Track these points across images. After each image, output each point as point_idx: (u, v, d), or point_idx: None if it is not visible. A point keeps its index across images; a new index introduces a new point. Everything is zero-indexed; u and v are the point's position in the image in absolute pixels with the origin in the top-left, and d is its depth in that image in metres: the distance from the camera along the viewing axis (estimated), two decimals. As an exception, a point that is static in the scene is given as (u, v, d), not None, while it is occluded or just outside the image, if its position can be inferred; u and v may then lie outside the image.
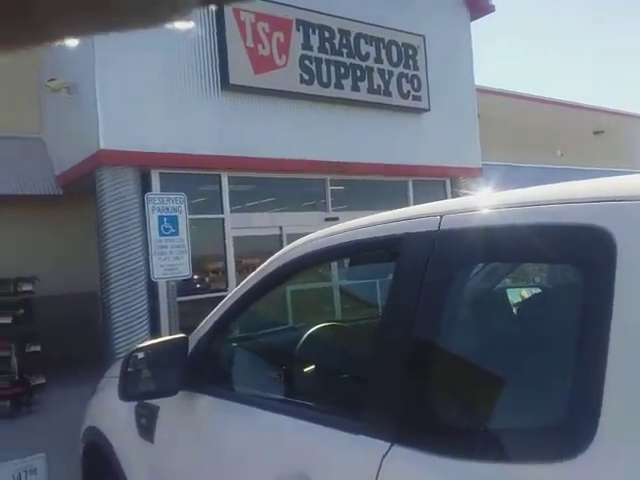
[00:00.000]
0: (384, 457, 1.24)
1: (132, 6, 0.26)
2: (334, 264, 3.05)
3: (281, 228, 8.25)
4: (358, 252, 1.76)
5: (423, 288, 1.32)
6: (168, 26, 0.30)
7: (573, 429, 0.98)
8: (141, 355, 2.16)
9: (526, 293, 1.98)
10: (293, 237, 1.96)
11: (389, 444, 1.25)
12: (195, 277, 7.51)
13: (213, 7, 0.33)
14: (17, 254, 7.89)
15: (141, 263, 6.90)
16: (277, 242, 7.92)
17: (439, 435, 1.21)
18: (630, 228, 1.02)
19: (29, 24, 0.26)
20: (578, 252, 1.10)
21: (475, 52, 10.57)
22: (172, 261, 5.82)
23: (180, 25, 0.30)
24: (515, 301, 1.81)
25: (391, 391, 1.32)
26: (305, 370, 2.18)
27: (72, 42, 0.28)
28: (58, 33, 0.27)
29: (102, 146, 6.84)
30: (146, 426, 2.27)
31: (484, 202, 1.34)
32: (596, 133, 15.89)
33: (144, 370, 2.16)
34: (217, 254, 7.98)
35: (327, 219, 8.31)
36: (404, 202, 9.17)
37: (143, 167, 7.16)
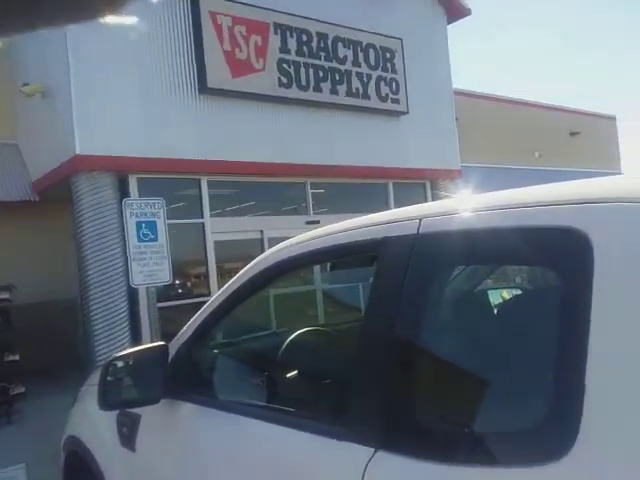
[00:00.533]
0: (368, 463, 1.23)
1: (60, 2, 0.25)
2: (316, 268, 3.05)
3: (262, 232, 8.23)
4: (338, 256, 1.76)
5: (403, 292, 1.32)
6: (103, 20, 0.28)
7: (555, 431, 0.99)
8: (121, 363, 2.14)
9: (507, 294, 2.00)
10: (274, 241, 1.96)
11: (373, 449, 1.25)
12: (177, 282, 7.46)
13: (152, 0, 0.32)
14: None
15: (120, 269, 6.83)
16: (258, 246, 7.91)
17: (423, 439, 1.21)
18: (606, 230, 1.03)
19: None
20: (555, 254, 1.11)
21: (452, 55, 10.67)
22: (152, 267, 5.77)
23: (114, 19, 0.28)
24: (496, 302, 1.82)
25: (374, 396, 1.32)
26: (288, 376, 2.17)
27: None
28: None
29: (78, 151, 6.76)
30: (127, 435, 2.24)
31: (462, 205, 1.35)
32: (572, 134, 16.13)
33: (124, 378, 2.14)
34: (198, 259, 7.94)
35: (308, 222, 8.32)
36: (384, 204, 9.21)
37: (120, 172, 7.10)
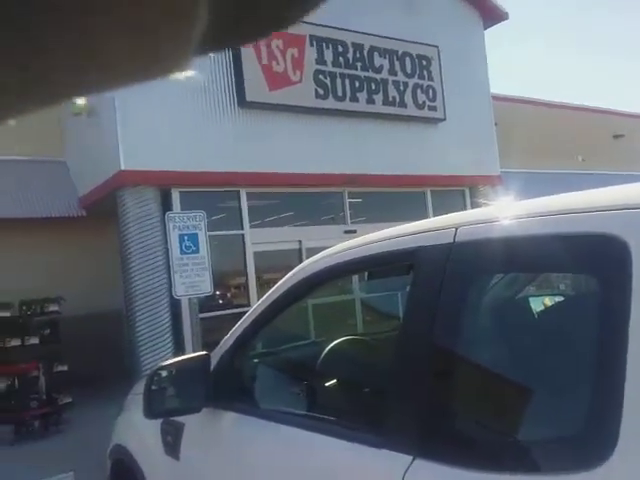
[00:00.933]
0: (407, 471, 1.24)
1: (133, 66, 0.27)
2: (355, 278, 3.06)
3: (300, 242, 8.28)
4: (375, 266, 1.77)
5: (440, 300, 1.32)
6: (169, 78, 0.30)
7: (594, 439, 0.98)
8: (165, 373, 2.19)
9: (549, 302, 1.97)
10: (312, 251, 1.99)
11: (411, 457, 1.25)
12: (217, 293, 7.57)
13: (212, 54, 0.33)
14: (43, 276, 8.03)
15: (164, 281, 6.98)
16: (297, 256, 7.96)
17: (461, 447, 1.21)
18: None
19: (33, 92, 0.26)
20: (593, 261, 1.10)
21: (490, 59, 10.57)
22: (193, 278, 5.88)
23: (181, 76, 0.30)
24: (537, 310, 1.80)
25: (412, 404, 1.33)
26: (327, 384, 2.18)
27: (73, 100, 0.29)
28: (59, 94, 0.28)
29: (123, 167, 6.96)
30: (172, 443, 2.29)
31: (498, 213, 1.35)
32: (616, 137, 15.70)
33: (168, 387, 2.19)
34: (238, 270, 8.04)
35: (346, 232, 8.32)
36: (423, 212, 9.14)
37: (163, 186, 7.27)
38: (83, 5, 0.23)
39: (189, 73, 0.30)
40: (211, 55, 0.32)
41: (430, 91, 9.41)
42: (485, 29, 10.62)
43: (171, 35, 0.26)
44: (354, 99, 8.62)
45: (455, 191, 9.99)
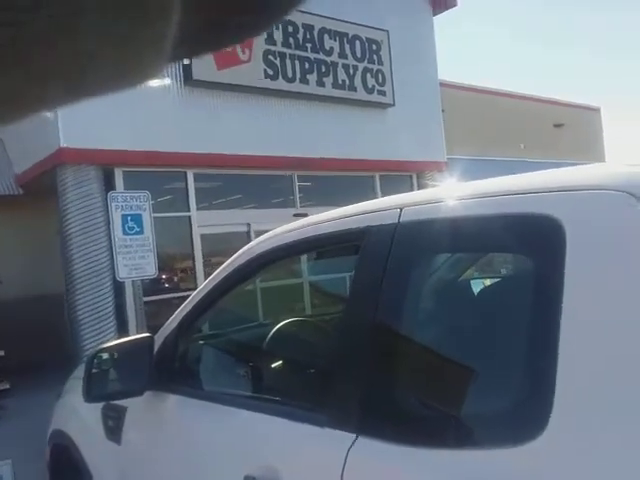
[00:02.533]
0: (350, 448, 1.25)
1: (103, 79, 0.26)
2: (303, 261, 3.06)
3: (249, 225, 8.21)
4: (322, 246, 1.77)
5: (384, 280, 1.34)
6: (139, 86, 0.29)
7: (530, 413, 1.01)
8: (106, 355, 2.14)
9: (489, 284, 2.03)
10: (261, 234, 1.97)
11: (354, 435, 1.26)
12: (163, 276, 7.43)
13: (185, 61, 0.33)
14: (-23, 257, 7.68)
15: (106, 263, 6.79)
16: (245, 239, 7.89)
17: (402, 425, 1.24)
18: (579, 217, 1.05)
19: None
20: (530, 241, 1.13)
21: (438, 46, 10.69)
22: (137, 260, 5.74)
23: (151, 83, 0.29)
24: (476, 291, 1.85)
25: (355, 383, 1.34)
26: (272, 366, 2.18)
27: (40, 113, 0.28)
28: (26, 107, 0.27)
29: (63, 144, 6.70)
30: (113, 427, 2.24)
31: (442, 194, 1.37)
32: (557, 126, 16.24)
33: (110, 370, 2.14)
34: (185, 253, 7.91)
35: (295, 215, 8.31)
36: (372, 197, 9.15)
37: (106, 165, 7.04)
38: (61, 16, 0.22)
39: (159, 82, 0.29)
40: (184, 61, 0.31)
41: (380, 75, 9.45)
42: (434, 15, 10.72)
43: (144, 44, 0.26)
44: (304, 81, 8.56)
45: (403, 176, 10.11)
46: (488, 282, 2.04)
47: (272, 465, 1.44)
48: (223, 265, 1.97)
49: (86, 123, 6.76)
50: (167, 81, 7.19)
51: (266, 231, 1.91)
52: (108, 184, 7.02)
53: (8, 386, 6.46)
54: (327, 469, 1.29)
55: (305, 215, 8.15)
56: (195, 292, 2.07)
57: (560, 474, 0.94)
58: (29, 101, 0.26)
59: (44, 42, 0.23)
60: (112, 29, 0.24)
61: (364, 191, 9.43)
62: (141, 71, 0.27)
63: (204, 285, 2.02)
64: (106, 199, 6.08)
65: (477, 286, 1.98)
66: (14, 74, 0.24)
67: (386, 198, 1.53)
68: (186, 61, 0.32)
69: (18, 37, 0.22)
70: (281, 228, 1.82)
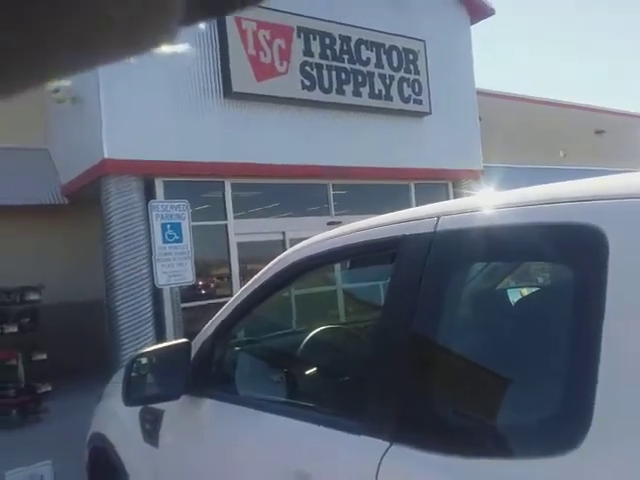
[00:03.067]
0: (383, 456, 1.25)
1: (114, 38, 0.26)
2: (337, 268, 3.07)
3: (284, 233, 8.27)
4: (356, 255, 1.77)
5: (421, 289, 1.33)
6: (157, 50, 0.29)
7: (568, 425, 1.00)
8: (144, 360, 2.18)
9: (526, 293, 2.00)
10: (296, 242, 1.99)
11: (388, 443, 1.26)
12: (200, 283, 7.54)
13: (202, 25, 0.32)
14: (24, 263, 7.93)
15: (146, 270, 6.93)
16: (280, 247, 7.94)
17: (436, 433, 1.23)
18: (622, 226, 1.03)
19: (11, 69, 0.25)
20: (571, 251, 1.11)
21: (475, 55, 10.60)
22: (176, 267, 5.84)
23: (169, 48, 0.29)
24: (514, 300, 1.82)
25: (390, 391, 1.34)
26: (307, 372, 2.19)
27: (58, 80, 0.28)
28: (41, 74, 0.27)
29: (106, 155, 6.89)
30: (150, 431, 2.29)
31: (480, 203, 1.36)
32: (597, 133, 15.88)
33: (148, 375, 2.18)
34: (221, 260, 8.01)
35: (329, 223, 8.32)
36: (406, 205, 9.10)
37: (147, 175, 7.21)
38: None
39: (176, 46, 0.30)
40: (200, 25, 0.31)
41: (416, 85, 9.42)
42: (472, 24, 10.65)
43: (157, 3, 0.25)
44: (340, 91, 8.60)
45: (438, 184, 10.03)
46: (525, 291, 2.01)
47: (305, 471, 1.45)
48: (259, 273, 1.99)
49: (128, 135, 6.95)
50: (184, 47, 7.27)
51: (301, 239, 1.92)
52: (149, 194, 7.18)
53: (50, 388, 6.63)
54: (360, 476, 1.29)
55: (339, 223, 8.17)
56: (231, 299, 2.10)
57: None
58: (40, 67, 0.26)
59: (51, 3, 0.23)
60: None
61: (399, 200, 9.39)
62: (154, 34, 0.27)
63: (240, 293, 2.05)
64: (147, 208, 6.22)
65: (514, 295, 1.95)
66: (24, 37, 0.23)
67: (423, 207, 1.53)
68: (201, 26, 0.32)
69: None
70: (316, 237, 1.83)
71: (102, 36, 0.26)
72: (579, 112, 15.55)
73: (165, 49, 0.29)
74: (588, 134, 15.58)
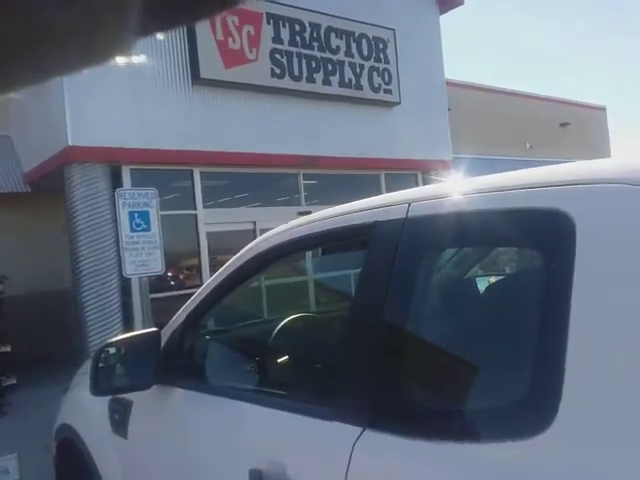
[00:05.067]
0: (356, 442, 1.25)
1: (70, 53, 0.25)
2: (309, 257, 3.06)
3: (255, 223, 8.22)
4: (328, 242, 1.77)
5: (392, 275, 1.34)
6: (111, 62, 0.28)
7: (537, 407, 1.01)
8: (113, 350, 2.15)
9: (494, 281, 2.03)
10: (266, 232, 1.97)
11: (361, 429, 1.27)
12: (169, 274, 7.46)
13: (158, 35, 0.31)
14: (-16, 253, 7.72)
15: (113, 260, 6.82)
16: (251, 237, 7.88)
17: (408, 418, 1.24)
18: (589, 211, 1.05)
19: None
20: (540, 236, 1.13)
21: (444, 45, 10.67)
22: (144, 257, 5.76)
23: (122, 60, 0.29)
24: (483, 286, 1.85)
25: (362, 377, 1.34)
26: (279, 360, 2.19)
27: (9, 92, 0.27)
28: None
29: (71, 142, 6.72)
30: (119, 421, 2.25)
31: (450, 189, 1.37)
32: (563, 125, 16.18)
33: (116, 365, 2.15)
34: (191, 250, 7.93)
35: (300, 213, 8.31)
36: (377, 195, 9.19)
37: (113, 163, 7.07)
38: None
39: (133, 57, 0.28)
40: (158, 36, 0.30)
41: (386, 74, 9.44)
42: (441, 14, 10.70)
43: (114, 15, 0.25)
44: (310, 80, 8.56)
45: (408, 175, 10.10)
46: (493, 279, 2.04)
47: (278, 458, 1.44)
48: (229, 262, 1.97)
49: (93, 121, 6.79)
50: (140, 58, 7.17)
51: (272, 229, 1.91)
52: (115, 182, 7.05)
53: (15, 381, 6.50)
54: (333, 462, 1.29)
55: (310, 213, 8.17)
56: (201, 288, 2.07)
57: (566, 468, 0.95)
58: None
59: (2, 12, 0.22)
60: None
61: (369, 190, 9.41)
62: (109, 44, 0.26)
63: (210, 281, 2.03)
64: (113, 197, 6.11)
65: (482, 283, 1.98)
66: None
67: (394, 193, 1.53)
68: (159, 36, 0.31)
69: None
70: (287, 224, 1.82)
71: (56, 49, 0.25)
72: (545, 104, 15.82)
73: (121, 60, 0.29)
74: (553, 126, 15.87)
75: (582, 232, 1.00)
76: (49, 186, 7.56)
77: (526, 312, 1.19)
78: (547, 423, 0.96)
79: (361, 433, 1.26)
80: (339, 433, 1.30)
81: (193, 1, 0.28)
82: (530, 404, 1.04)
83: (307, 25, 8.54)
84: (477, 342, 1.32)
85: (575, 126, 16.23)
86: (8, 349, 6.58)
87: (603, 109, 18.28)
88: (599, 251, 1.01)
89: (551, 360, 1.00)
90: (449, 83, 11.07)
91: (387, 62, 9.44)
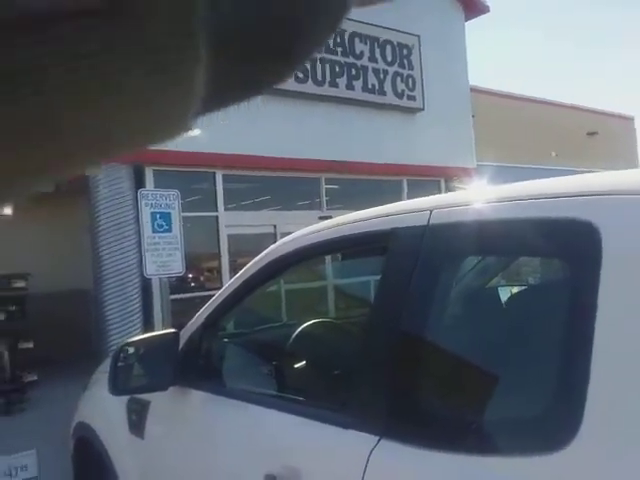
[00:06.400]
0: (372, 450, 1.24)
1: (127, 141, 0.26)
2: (328, 262, 3.06)
3: (275, 227, 8.24)
4: (348, 247, 1.76)
5: (412, 283, 1.32)
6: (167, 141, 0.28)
7: (558, 422, 0.99)
8: (132, 349, 2.16)
9: (517, 290, 1.99)
10: (287, 235, 1.97)
11: (377, 438, 1.25)
12: (189, 275, 7.50)
13: (218, 116, 0.32)
14: (10, 251, 7.84)
15: (134, 260, 6.88)
16: (271, 240, 7.89)
17: (426, 429, 1.22)
18: (616, 222, 1.02)
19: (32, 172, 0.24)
20: (565, 246, 1.10)
21: (469, 51, 10.61)
22: (165, 258, 5.81)
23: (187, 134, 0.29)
24: (506, 296, 1.82)
25: (379, 385, 1.33)
26: (296, 366, 2.18)
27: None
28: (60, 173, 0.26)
29: (96, 143, 6.81)
30: (136, 421, 2.26)
31: (473, 197, 1.35)
32: (590, 134, 15.96)
33: (135, 365, 2.16)
34: (211, 252, 7.97)
35: (321, 217, 8.30)
36: (398, 201, 9.14)
37: (137, 164, 7.14)
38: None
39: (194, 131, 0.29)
40: (217, 118, 0.31)
41: (410, 80, 9.40)
42: (466, 21, 10.64)
43: (174, 105, 0.25)
44: (333, 84, 8.57)
45: (431, 181, 10.04)
46: (516, 290, 2.01)
47: (293, 465, 1.43)
48: (248, 265, 1.97)
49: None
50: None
51: (292, 233, 1.91)
52: (138, 182, 7.12)
53: (36, 377, 6.58)
54: (348, 470, 1.28)
55: (330, 217, 8.16)
56: (221, 290, 2.08)
57: None
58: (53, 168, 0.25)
59: (63, 107, 0.21)
60: (136, 93, 0.23)
61: (391, 195, 9.38)
62: (169, 130, 0.27)
63: (229, 284, 2.03)
64: (136, 198, 6.17)
65: (505, 293, 1.95)
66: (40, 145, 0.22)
67: (416, 200, 1.52)
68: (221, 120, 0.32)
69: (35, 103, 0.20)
70: (307, 228, 1.81)
71: (113, 137, 0.25)
72: (572, 112, 15.63)
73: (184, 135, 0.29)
74: (580, 135, 15.66)
75: (608, 243, 0.98)
76: (73, 186, 7.66)
77: (549, 324, 1.16)
78: (570, 438, 0.94)
79: (377, 442, 1.24)
80: (355, 441, 1.29)
81: (244, 83, 0.29)
82: (552, 418, 1.02)
83: (332, 30, 8.55)
84: (497, 353, 1.30)
85: (603, 135, 16.00)
86: (31, 345, 6.66)
87: (631, 119, 18.00)
88: (625, 263, 0.98)
89: (575, 374, 0.98)
90: (474, 90, 11.00)
91: (411, 68, 9.41)
